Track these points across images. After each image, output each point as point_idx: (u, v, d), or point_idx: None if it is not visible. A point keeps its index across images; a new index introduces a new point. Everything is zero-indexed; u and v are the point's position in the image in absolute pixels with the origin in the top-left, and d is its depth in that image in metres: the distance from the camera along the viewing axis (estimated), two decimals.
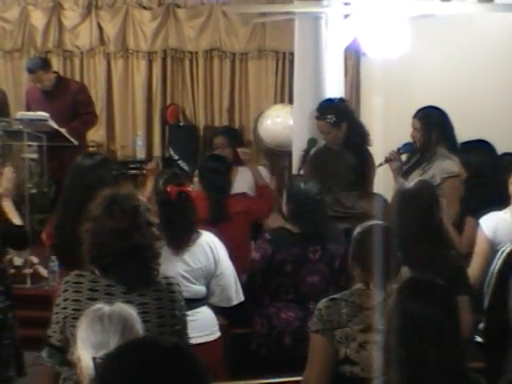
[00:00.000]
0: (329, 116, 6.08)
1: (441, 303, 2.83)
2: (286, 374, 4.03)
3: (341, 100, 6.28)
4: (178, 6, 9.23)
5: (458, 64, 7.39)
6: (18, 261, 6.71)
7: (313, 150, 6.11)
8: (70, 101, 7.70)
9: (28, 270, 6.70)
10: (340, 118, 6.08)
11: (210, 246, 4.47)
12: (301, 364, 3.74)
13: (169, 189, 4.40)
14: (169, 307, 3.43)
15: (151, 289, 3.40)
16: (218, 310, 4.65)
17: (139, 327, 2.69)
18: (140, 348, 2.03)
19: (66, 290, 3.40)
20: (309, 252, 4.65)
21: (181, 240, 4.38)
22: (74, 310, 3.36)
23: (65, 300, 3.38)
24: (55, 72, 8.06)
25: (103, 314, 2.66)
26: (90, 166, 4.62)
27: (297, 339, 4.59)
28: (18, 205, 6.84)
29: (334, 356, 3.51)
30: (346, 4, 6.33)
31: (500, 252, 4.17)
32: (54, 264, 6.64)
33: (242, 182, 6.18)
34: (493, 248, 4.64)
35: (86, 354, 2.62)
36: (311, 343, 3.61)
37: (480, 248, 4.71)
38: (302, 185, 4.78)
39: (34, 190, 7.06)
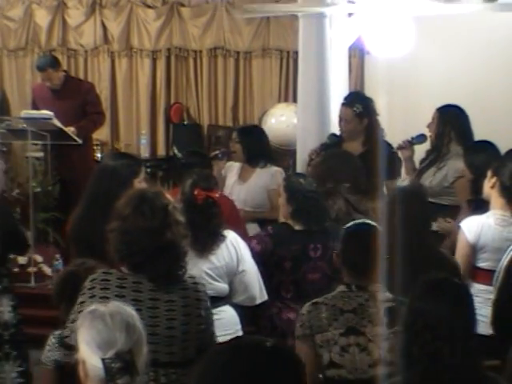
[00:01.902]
0: (356, 105, 6.14)
1: (454, 301, 2.83)
2: None
3: (369, 98, 6.31)
4: (183, 5, 9.22)
5: (462, 63, 7.39)
6: (22, 259, 6.72)
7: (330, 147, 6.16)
8: (79, 100, 7.69)
9: (32, 269, 6.71)
10: (366, 111, 6.12)
11: (232, 243, 4.47)
12: None
13: (196, 192, 4.38)
14: (194, 306, 3.43)
15: (178, 287, 3.41)
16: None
17: (140, 325, 2.68)
18: (238, 347, 2.04)
19: (92, 288, 3.38)
20: (309, 249, 4.63)
21: (205, 244, 4.38)
22: None
23: (91, 297, 3.35)
24: (64, 71, 8.06)
25: (103, 314, 2.64)
26: (120, 165, 4.67)
27: None
28: (23, 203, 6.89)
29: (316, 361, 3.50)
30: (350, 2, 6.32)
31: (510, 249, 4.17)
32: (58, 263, 6.66)
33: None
34: (474, 253, 4.65)
35: (92, 355, 2.59)
36: (296, 349, 3.57)
37: (461, 252, 4.69)
38: (301, 181, 4.77)
39: (39, 189, 7.07)
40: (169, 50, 9.27)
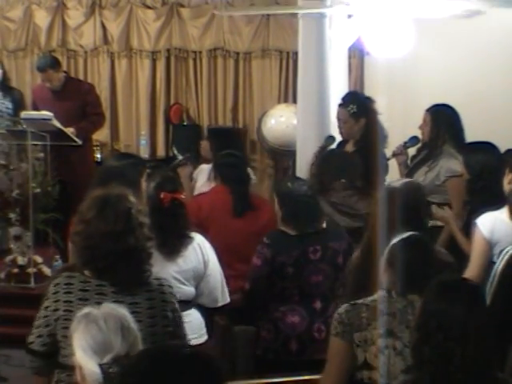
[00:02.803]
0: (351, 105, 6.17)
1: (467, 302, 2.83)
2: (289, 374, 4.01)
3: (367, 98, 6.33)
4: (182, 6, 9.22)
5: (461, 63, 7.39)
6: (21, 260, 6.72)
7: (329, 147, 6.18)
8: (79, 101, 7.68)
9: (32, 270, 6.70)
10: (361, 111, 6.15)
11: (200, 246, 4.46)
12: (307, 367, 3.73)
13: (162, 195, 4.36)
14: (160, 308, 3.42)
15: (142, 289, 3.40)
16: (219, 311, 4.66)
17: (134, 326, 2.67)
18: (160, 356, 2.03)
19: (56, 292, 3.40)
20: (309, 252, 4.60)
21: (173, 246, 4.37)
22: (65, 311, 3.36)
23: (55, 302, 3.38)
24: (64, 72, 8.06)
25: (97, 318, 2.64)
26: (121, 166, 4.67)
27: (303, 343, 4.58)
28: (22, 204, 6.88)
29: (352, 361, 3.48)
30: (349, 3, 6.32)
31: (504, 252, 4.16)
32: (58, 263, 6.66)
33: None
34: (491, 248, 4.64)
35: (89, 361, 2.59)
36: (330, 347, 3.57)
37: (478, 249, 4.68)
38: (290, 185, 4.75)
39: (38, 190, 7.06)
40: (168, 50, 9.26)
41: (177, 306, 3.52)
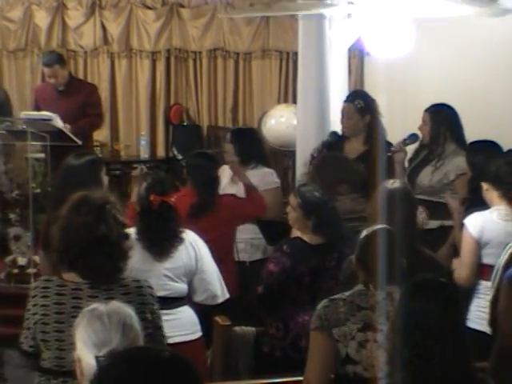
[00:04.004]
0: (358, 100, 6.16)
1: (444, 300, 2.83)
2: (291, 374, 4.01)
3: (373, 98, 6.32)
4: (182, 6, 9.22)
5: (461, 64, 7.38)
6: (21, 260, 6.72)
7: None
8: (80, 101, 7.68)
9: (32, 270, 6.69)
10: (367, 107, 6.14)
11: (191, 243, 4.47)
12: None
13: (152, 198, 4.36)
14: (139, 310, 3.34)
15: (119, 292, 3.40)
16: (220, 310, 4.66)
17: (138, 326, 2.68)
18: (137, 358, 2.03)
19: (34, 296, 3.43)
20: (326, 261, 4.57)
21: (162, 247, 4.37)
22: (42, 315, 3.38)
23: (34, 305, 3.41)
24: (69, 71, 8.07)
25: (101, 313, 2.65)
26: (79, 166, 4.68)
27: None
28: (22, 204, 6.88)
29: (333, 354, 3.52)
30: (349, 4, 6.32)
31: (508, 247, 4.17)
32: None
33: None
34: (479, 248, 4.66)
35: (87, 353, 2.61)
36: (310, 342, 3.61)
37: (466, 248, 4.70)
38: (316, 194, 4.65)
39: (38, 190, 7.06)
40: (168, 51, 9.27)
41: (156, 307, 3.51)
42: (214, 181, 5.52)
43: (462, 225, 5.14)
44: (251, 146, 6.24)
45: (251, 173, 6.08)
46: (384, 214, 4.21)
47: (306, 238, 4.60)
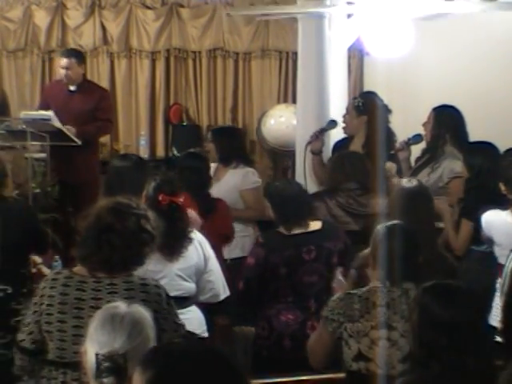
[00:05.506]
0: (358, 99, 6.19)
1: (464, 305, 2.84)
2: (286, 375, 4.02)
3: (380, 99, 6.30)
4: (182, 6, 9.22)
5: (461, 63, 7.39)
6: None
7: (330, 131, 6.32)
8: (91, 104, 7.60)
9: (31, 270, 6.69)
10: (365, 107, 6.15)
11: (199, 243, 4.49)
12: (301, 365, 3.74)
13: (160, 198, 4.35)
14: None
15: (123, 287, 3.42)
16: (220, 310, 4.67)
17: (150, 331, 2.68)
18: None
19: (43, 288, 3.48)
20: (302, 253, 4.61)
21: (173, 248, 4.37)
22: (48, 305, 3.42)
23: (41, 297, 3.46)
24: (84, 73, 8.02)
25: (116, 314, 2.67)
26: (127, 167, 4.72)
27: (296, 341, 4.57)
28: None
29: (330, 343, 3.64)
30: (349, 3, 6.33)
31: None
32: (58, 264, 6.65)
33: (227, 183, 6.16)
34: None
35: (91, 349, 2.65)
36: (318, 328, 3.76)
37: (467, 233, 4.92)
38: (279, 186, 4.77)
39: (38, 190, 7.05)
40: (168, 50, 9.27)
41: (164, 306, 3.50)
42: (207, 182, 5.52)
43: (455, 224, 5.18)
44: (232, 145, 6.26)
45: (232, 172, 6.10)
46: (401, 211, 4.22)
47: (279, 228, 4.69)
